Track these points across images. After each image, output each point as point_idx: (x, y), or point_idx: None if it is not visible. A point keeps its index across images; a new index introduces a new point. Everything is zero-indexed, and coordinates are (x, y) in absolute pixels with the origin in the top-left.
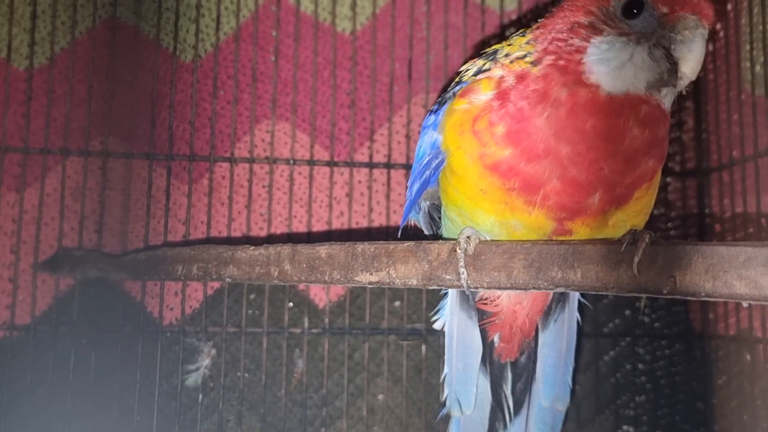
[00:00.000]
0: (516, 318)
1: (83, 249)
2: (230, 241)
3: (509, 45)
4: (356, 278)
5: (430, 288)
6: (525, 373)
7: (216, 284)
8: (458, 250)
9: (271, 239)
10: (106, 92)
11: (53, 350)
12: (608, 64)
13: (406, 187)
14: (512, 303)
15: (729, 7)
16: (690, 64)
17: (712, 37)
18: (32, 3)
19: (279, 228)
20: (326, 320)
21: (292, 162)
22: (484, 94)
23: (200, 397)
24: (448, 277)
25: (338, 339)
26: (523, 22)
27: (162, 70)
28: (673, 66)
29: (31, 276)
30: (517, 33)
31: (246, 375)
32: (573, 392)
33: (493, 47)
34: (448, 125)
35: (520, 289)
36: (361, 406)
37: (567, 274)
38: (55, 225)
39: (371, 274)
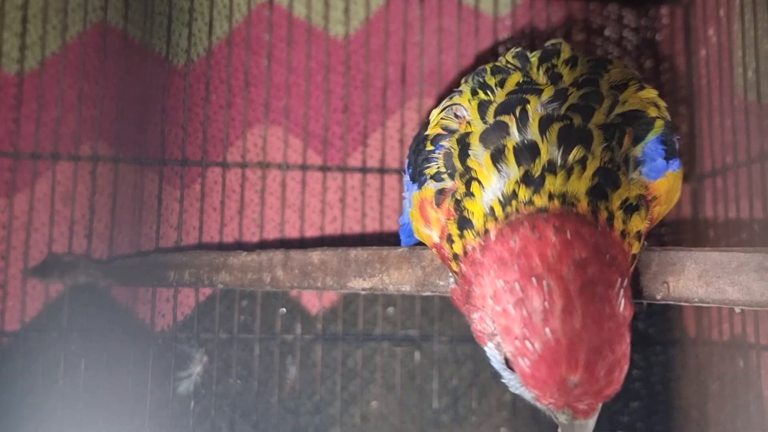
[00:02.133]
0: None
1: (73, 255)
2: (222, 247)
3: (462, 193)
4: (349, 284)
5: (424, 294)
6: None
7: (208, 290)
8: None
9: (264, 245)
10: (97, 97)
11: (43, 357)
12: (500, 371)
13: (400, 210)
14: None
15: (722, 12)
16: None
17: (705, 43)
18: (23, 7)
19: (272, 233)
20: (319, 326)
21: (284, 167)
22: (432, 230)
23: (192, 404)
24: (441, 283)
25: (331, 345)
26: (517, 27)
27: (154, 75)
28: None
29: (20, 282)
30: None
31: (238, 382)
32: None
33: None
34: (413, 219)
35: None
36: (355, 412)
37: None
38: (45, 230)
39: (364, 280)
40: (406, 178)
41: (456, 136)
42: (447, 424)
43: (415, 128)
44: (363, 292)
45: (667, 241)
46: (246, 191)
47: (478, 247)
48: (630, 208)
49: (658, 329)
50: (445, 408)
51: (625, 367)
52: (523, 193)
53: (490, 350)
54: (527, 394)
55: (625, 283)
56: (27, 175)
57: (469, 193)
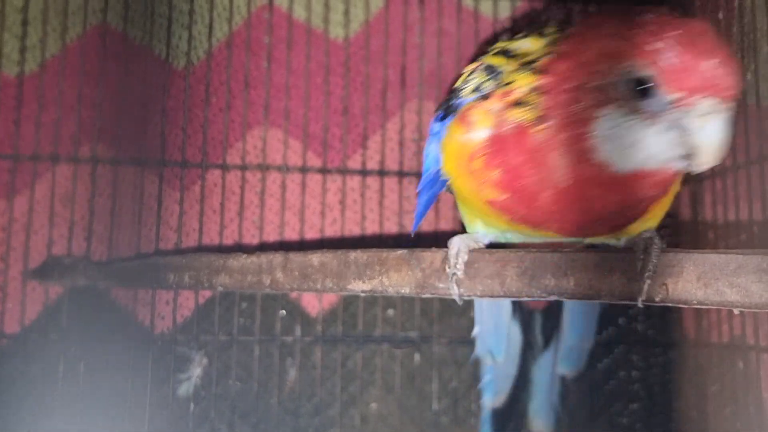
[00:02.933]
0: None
1: (73, 257)
2: (222, 249)
3: (514, 69)
4: (349, 286)
5: (423, 296)
6: (553, 316)
7: (207, 293)
8: (448, 270)
9: (264, 247)
10: (97, 99)
11: (42, 359)
12: (616, 144)
13: (417, 192)
14: None
15: (720, 15)
16: (707, 153)
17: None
18: (23, 10)
19: (271, 235)
20: (319, 328)
21: (284, 169)
22: (480, 130)
23: (192, 406)
24: (441, 285)
25: (331, 347)
26: (516, 30)
27: (154, 77)
28: (691, 151)
29: (20, 284)
30: (523, 38)
31: (238, 383)
32: (598, 332)
33: (497, 58)
34: (447, 150)
35: (514, 297)
36: (354, 414)
37: (560, 281)
38: (45, 232)
39: (364, 282)
40: (436, 126)
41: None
42: (446, 426)
43: (415, 130)
44: (362, 294)
45: (666, 242)
46: (246, 193)
47: (557, 50)
48: None
49: (658, 331)
50: (445, 409)
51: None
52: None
53: (605, 117)
54: (648, 133)
55: None
56: (27, 177)
57: (525, 56)
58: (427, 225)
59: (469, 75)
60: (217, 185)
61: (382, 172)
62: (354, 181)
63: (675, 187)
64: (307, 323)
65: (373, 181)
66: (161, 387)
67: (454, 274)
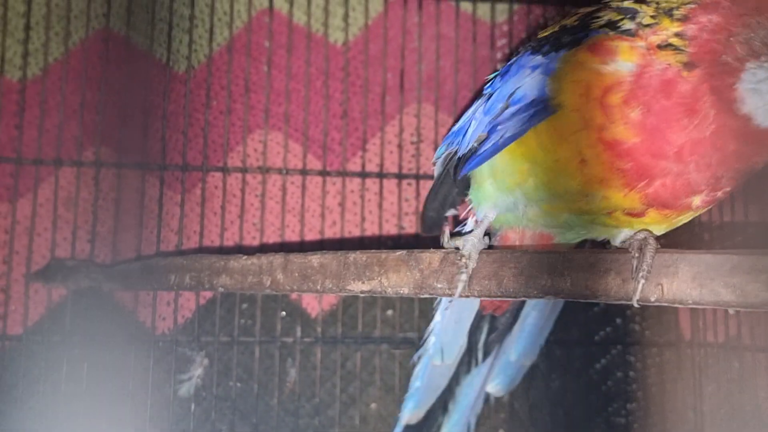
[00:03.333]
0: None
1: (76, 259)
2: (223, 251)
3: (653, 14)
4: (348, 287)
5: (422, 297)
6: (502, 327)
7: (208, 294)
8: (461, 270)
9: (264, 249)
10: (99, 103)
11: (45, 361)
12: (763, 98)
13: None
14: None
15: None
16: None
17: None
18: (26, 14)
19: (272, 238)
20: (319, 329)
21: (284, 172)
22: (623, 63)
23: (193, 406)
24: (439, 285)
25: (331, 348)
26: (514, 33)
27: (155, 81)
28: None
29: (23, 286)
30: None
31: (238, 384)
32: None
33: (629, 2)
34: (568, 78)
35: (511, 297)
36: (354, 415)
37: (557, 282)
38: (48, 235)
39: (363, 282)
40: (535, 59)
41: None
42: None
43: (414, 133)
44: (362, 295)
45: (663, 243)
46: (246, 196)
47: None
48: None
49: (654, 331)
50: None
51: None
52: None
53: (752, 70)
54: None
55: None
56: (29, 181)
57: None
58: None
59: (594, 13)
60: (218, 188)
61: (381, 175)
62: (353, 184)
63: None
64: (307, 324)
65: (372, 184)
66: (162, 388)
67: (463, 273)
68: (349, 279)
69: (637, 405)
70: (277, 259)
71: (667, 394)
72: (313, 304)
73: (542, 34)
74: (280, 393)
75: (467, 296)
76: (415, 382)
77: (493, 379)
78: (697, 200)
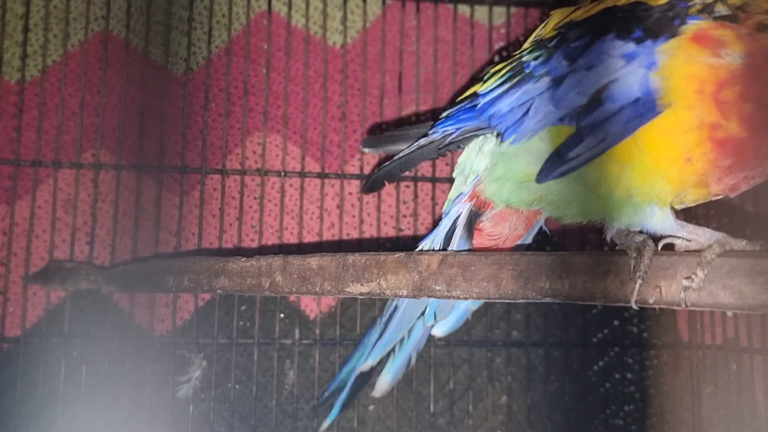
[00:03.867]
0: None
1: (74, 261)
2: (221, 253)
3: None
4: (347, 289)
5: (420, 298)
6: None
7: (207, 296)
8: (638, 277)
9: (263, 251)
10: (98, 105)
11: (44, 362)
12: None
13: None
14: (509, 236)
15: None
16: None
17: None
18: (24, 16)
19: (270, 240)
20: (317, 331)
21: (283, 174)
22: (733, 53)
23: (191, 408)
24: (438, 287)
25: (329, 350)
26: (511, 36)
27: (153, 83)
28: None
29: (21, 288)
30: None
31: (237, 386)
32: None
33: None
34: (677, 74)
35: (510, 299)
36: (352, 416)
37: (555, 284)
38: (46, 237)
39: (362, 284)
40: (627, 47)
41: None
42: (444, 428)
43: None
44: (361, 297)
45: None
46: (245, 198)
47: None
48: None
49: (652, 333)
50: (442, 411)
51: None
52: None
53: None
54: None
55: None
56: (28, 183)
57: None
58: (423, 231)
59: None
60: (217, 190)
61: None
62: (352, 186)
63: None
64: (305, 326)
65: None
66: (161, 389)
67: (640, 275)
68: (348, 281)
69: (635, 406)
70: (276, 261)
71: (665, 396)
72: (311, 306)
73: (591, 12)
74: (278, 395)
75: (466, 298)
76: (370, 339)
77: (439, 323)
78: (744, 188)
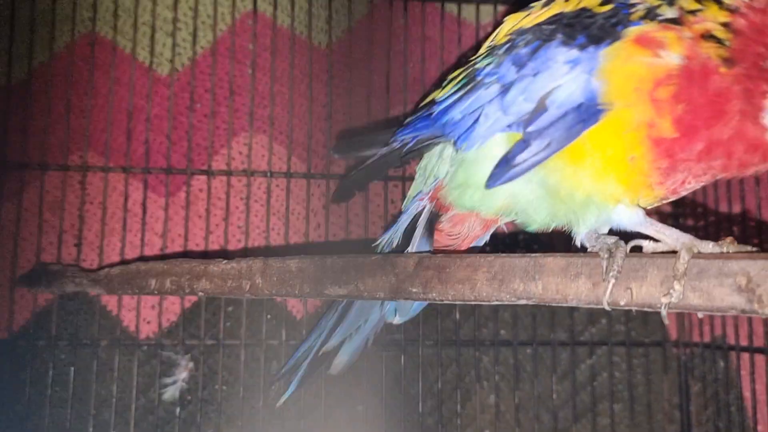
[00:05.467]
0: (459, 248)
1: (60, 264)
2: (208, 254)
3: (707, 4)
4: (326, 291)
5: (398, 300)
6: None
7: (194, 297)
8: (611, 277)
9: (249, 251)
10: (85, 106)
11: (31, 365)
12: None
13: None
14: (467, 236)
15: None
16: None
17: None
18: (10, 18)
19: (257, 240)
20: (304, 332)
21: (269, 174)
22: (672, 55)
23: (178, 410)
24: (414, 290)
25: None
26: None
27: (138, 84)
28: None
29: (8, 291)
30: None
31: (224, 387)
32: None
33: None
34: (617, 74)
35: (484, 301)
36: (340, 417)
37: (528, 286)
38: (34, 239)
39: (340, 287)
40: (571, 53)
41: None
42: (432, 427)
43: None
44: (339, 299)
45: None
46: (231, 198)
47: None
48: None
49: (639, 331)
50: (430, 411)
51: None
52: None
53: None
54: None
55: None
56: (15, 185)
57: None
58: None
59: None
60: (203, 191)
61: None
62: None
63: None
64: (292, 327)
65: None
66: (147, 392)
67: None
68: (327, 283)
69: (623, 405)
70: (256, 263)
71: (653, 394)
72: (298, 307)
73: (540, 18)
74: (265, 395)
75: (443, 300)
76: (332, 322)
77: (398, 313)
78: (683, 193)
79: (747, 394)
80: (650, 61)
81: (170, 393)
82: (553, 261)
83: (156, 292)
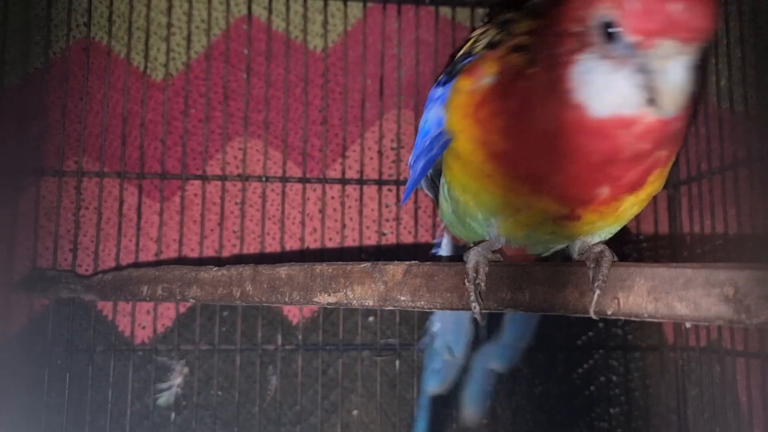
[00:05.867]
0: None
1: (56, 269)
2: (202, 260)
3: (522, 20)
4: (315, 299)
5: (386, 309)
6: (499, 314)
7: (189, 302)
8: (467, 283)
9: (244, 257)
10: (81, 112)
11: (27, 371)
12: (592, 87)
13: (408, 165)
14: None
15: None
16: (668, 98)
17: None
18: (3, 24)
19: (252, 245)
20: (300, 336)
21: (264, 179)
22: (487, 77)
23: (173, 415)
24: (403, 298)
25: (312, 355)
26: None
27: (133, 89)
28: (654, 95)
29: (4, 296)
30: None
31: (219, 393)
32: (537, 335)
33: (509, 14)
34: (453, 105)
35: (473, 310)
36: (336, 422)
37: (516, 295)
38: (30, 245)
39: (329, 294)
40: (437, 92)
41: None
42: None
43: (394, 139)
44: (329, 307)
45: (644, 247)
46: (226, 203)
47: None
48: None
49: (636, 335)
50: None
51: (713, 16)
52: None
53: (584, 60)
54: (620, 77)
55: None
56: (10, 190)
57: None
58: (406, 235)
59: (481, 35)
60: (198, 196)
61: (361, 181)
62: (334, 191)
63: (670, 163)
64: (288, 331)
65: (352, 190)
66: (142, 397)
67: (478, 285)
68: (316, 291)
69: (620, 409)
70: (246, 270)
71: (650, 398)
72: (294, 312)
73: (467, 44)
74: (261, 401)
75: (430, 308)
76: (434, 365)
77: (495, 358)
78: (605, 191)
79: (743, 398)
80: (472, 88)
81: (164, 398)
82: (540, 270)
83: (148, 298)
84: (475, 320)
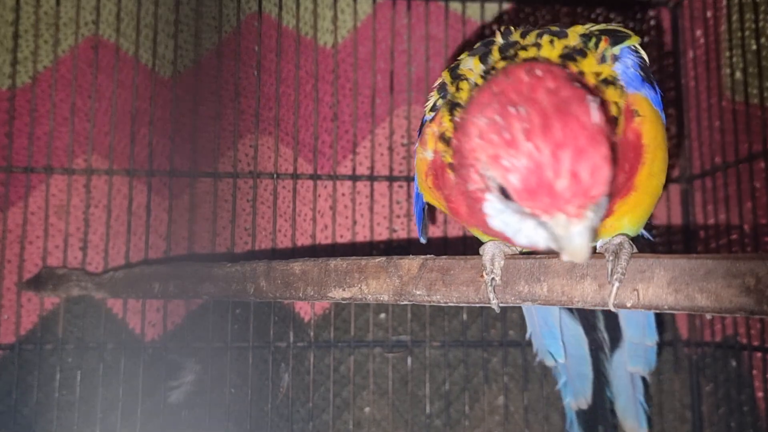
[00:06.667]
0: None
1: (66, 267)
2: (214, 257)
3: (453, 95)
4: (329, 294)
5: (401, 303)
6: (612, 315)
7: (200, 299)
8: (485, 276)
9: (255, 254)
10: (89, 110)
11: (38, 369)
12: (504, 224)
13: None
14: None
15: (709, 14)
16: (571, 254)
17: (693, 44)
18: (14, 22)
19: (263, 242)
20: (311, 334)
21: (275, 176)
22: (428, 150)
23: (184, 413)
24: (418, 292)
25: (324, 352)
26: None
27: (141, 87)
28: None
29: (15, 295)
30: (474, 53)
31: (232, 390)
32: (660, 329)
33: (448, 74)
34: (416, 165)
35: (488, 304)
36: (348, 419)
37: (533, 288)
38: (40, 243)
39: (344, 290)
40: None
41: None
42: (440, 429)
43: (404, 135)
44: (344, 302)
45: (658, 242)
46: (237, 200)
47: (464, 112)
48: (605, 81)
49: None
50: (438, 413)
51: (607, 170)
52: (500, 64)
53: (491, 201)
54: (527, 224)
55: (597, 100)
56: (20, 189)
57: (458, 89)
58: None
59: (428, 100)
60: (209, 193)
61: (372, 177)
62: (344, 187)
63: (647, 186)
64: (300, 329)
65: (363, 187)
66: (153, 395)
67: (493, 279)
68: (330, 286)
69: None
70: (260, 266)
71: (664, 394)
72: (306, 309)
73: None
74: (273, 398)
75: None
76: (561, 378)
77: (630, 361)
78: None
79: (760, 394)
80: (421, 156)
81: (175, 396)
82: (558, 262)
83: (160, 295)
84: (582, 321)
